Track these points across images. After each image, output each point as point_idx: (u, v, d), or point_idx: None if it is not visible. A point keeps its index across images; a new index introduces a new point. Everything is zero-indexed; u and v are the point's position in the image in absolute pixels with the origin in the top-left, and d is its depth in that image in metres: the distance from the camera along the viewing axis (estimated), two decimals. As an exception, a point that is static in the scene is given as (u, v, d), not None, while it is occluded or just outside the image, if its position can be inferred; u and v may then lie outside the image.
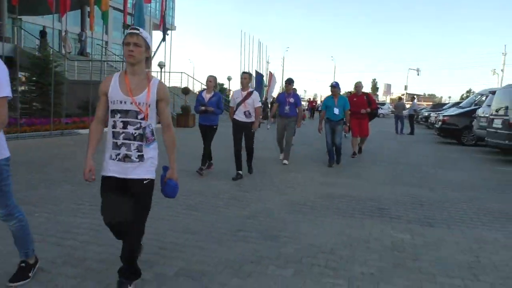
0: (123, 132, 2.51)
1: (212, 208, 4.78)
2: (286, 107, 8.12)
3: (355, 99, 9.60)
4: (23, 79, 14.29)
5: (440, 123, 14.60)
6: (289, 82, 8.22)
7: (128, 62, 2.51)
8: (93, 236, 3.65)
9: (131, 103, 2.49)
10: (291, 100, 8.12)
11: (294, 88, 8.61)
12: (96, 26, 17.10)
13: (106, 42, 28.55)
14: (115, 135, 2.53)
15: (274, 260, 3.31)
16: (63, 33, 19.68)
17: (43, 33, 20.13)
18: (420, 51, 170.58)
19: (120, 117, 2.51)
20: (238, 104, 6.55)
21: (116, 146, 2.52)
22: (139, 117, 2.51)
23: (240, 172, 6.57)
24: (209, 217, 4.43)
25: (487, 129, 10.66)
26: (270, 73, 28.42)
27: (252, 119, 6.57)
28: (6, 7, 18.66)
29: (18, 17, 19.19)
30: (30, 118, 11.41)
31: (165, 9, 15.72)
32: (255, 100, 6.56)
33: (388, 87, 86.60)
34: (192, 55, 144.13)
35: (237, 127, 6.61)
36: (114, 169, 2.54)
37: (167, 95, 2.64)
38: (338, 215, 4.70)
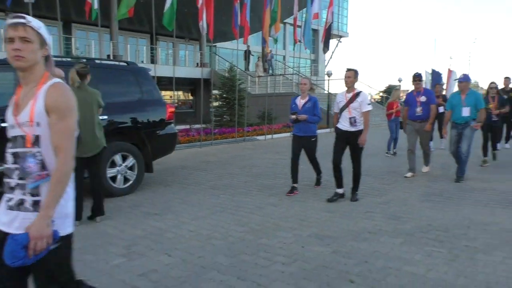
0: (16, 169, 1.74)
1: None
2: (416, 109, 6.74)
3: None
4: (216, 96, 17.48)
5: None
6: (418, 78, 6.81)
7: (16, 68, 1.71)
8: (257, 210, 5.04)
9: (17, 126, 1.74)
10: (422, 99, 6.73)
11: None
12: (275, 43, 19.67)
13: (284, 57, 31.64)
14: (8, 173, 1.77)
15: (389, 232, 4.05)
16: (258, 59, 23.15)
17: (247, 52, 23.69)
18: None
19: (10, 148, 1.77)
20: (342, 109, 5.35)
21: (10, 189, 1.76)
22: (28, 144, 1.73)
23: (339, 191, 5.44)
24: (345, 201, 5.35)
25: None
26: (449, 70, 26.64)
27: (359, 127, 5.27)
28: (205, 39, 22.98)
29: (213, 44, 23.37)
30: (221, 128, 14.12)
31: (332, 21, 16.93)
32: (362, 103, 5.23)
33: None
34: (366, 60, 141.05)
35: (339, 137, 5.42)
36: (2, 219, 1.77)
37: (61, 103, 1.72)
38: (471, 204, 4.99)
